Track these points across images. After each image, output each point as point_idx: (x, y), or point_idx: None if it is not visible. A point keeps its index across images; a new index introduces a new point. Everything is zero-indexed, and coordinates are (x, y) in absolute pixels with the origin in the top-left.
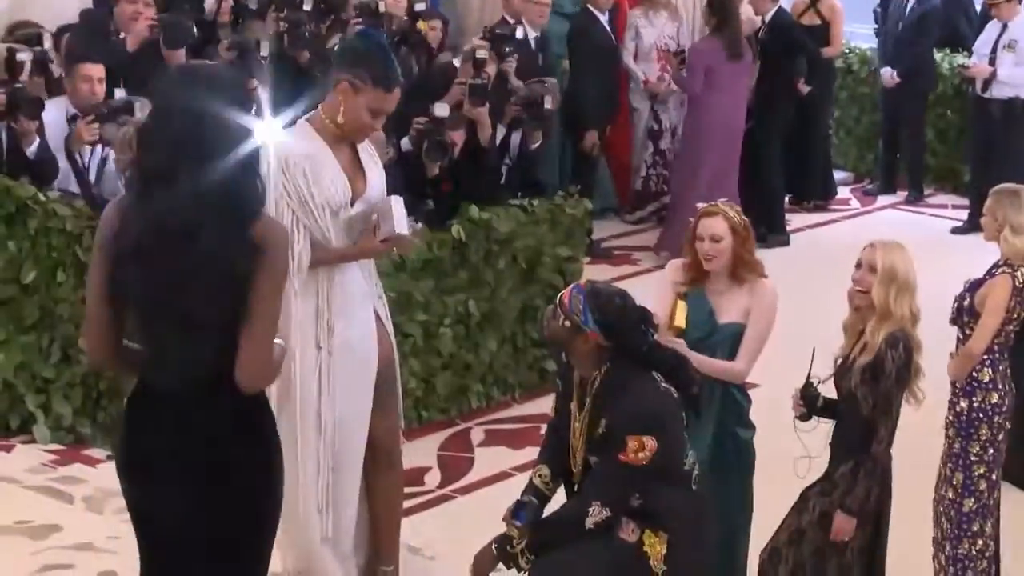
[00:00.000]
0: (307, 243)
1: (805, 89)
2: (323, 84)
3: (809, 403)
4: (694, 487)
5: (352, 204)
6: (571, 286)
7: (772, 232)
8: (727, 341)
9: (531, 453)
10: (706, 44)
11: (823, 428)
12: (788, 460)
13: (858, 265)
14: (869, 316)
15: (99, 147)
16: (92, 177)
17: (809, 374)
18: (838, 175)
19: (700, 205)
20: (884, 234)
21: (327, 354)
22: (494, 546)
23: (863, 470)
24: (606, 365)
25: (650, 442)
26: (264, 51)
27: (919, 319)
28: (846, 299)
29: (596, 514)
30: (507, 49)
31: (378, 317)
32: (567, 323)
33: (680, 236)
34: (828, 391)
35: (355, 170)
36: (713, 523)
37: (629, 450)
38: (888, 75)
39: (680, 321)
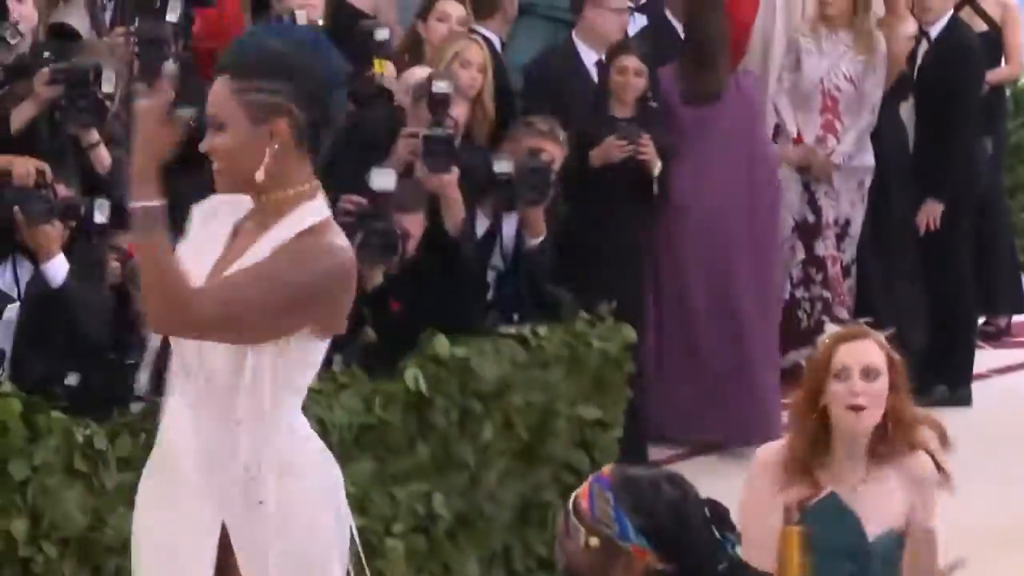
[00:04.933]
0: None
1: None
2: None
3: None
4: None
5: None
6: (589, 479)
7: (954, 386)
8: (885, 564)
9: None
10: (668, 71)
11: None
12: None
13: None
14: None
15: None
16: None
17: None
18: None
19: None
20: None
21: None
22: None
23: None
24: None
25: None
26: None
27: None
28: None
29: None
30: None
31: (224, 544)
32: (593, 541)
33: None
34: None
35: None
36: None
37: None
38: None
39: (797, 563)
